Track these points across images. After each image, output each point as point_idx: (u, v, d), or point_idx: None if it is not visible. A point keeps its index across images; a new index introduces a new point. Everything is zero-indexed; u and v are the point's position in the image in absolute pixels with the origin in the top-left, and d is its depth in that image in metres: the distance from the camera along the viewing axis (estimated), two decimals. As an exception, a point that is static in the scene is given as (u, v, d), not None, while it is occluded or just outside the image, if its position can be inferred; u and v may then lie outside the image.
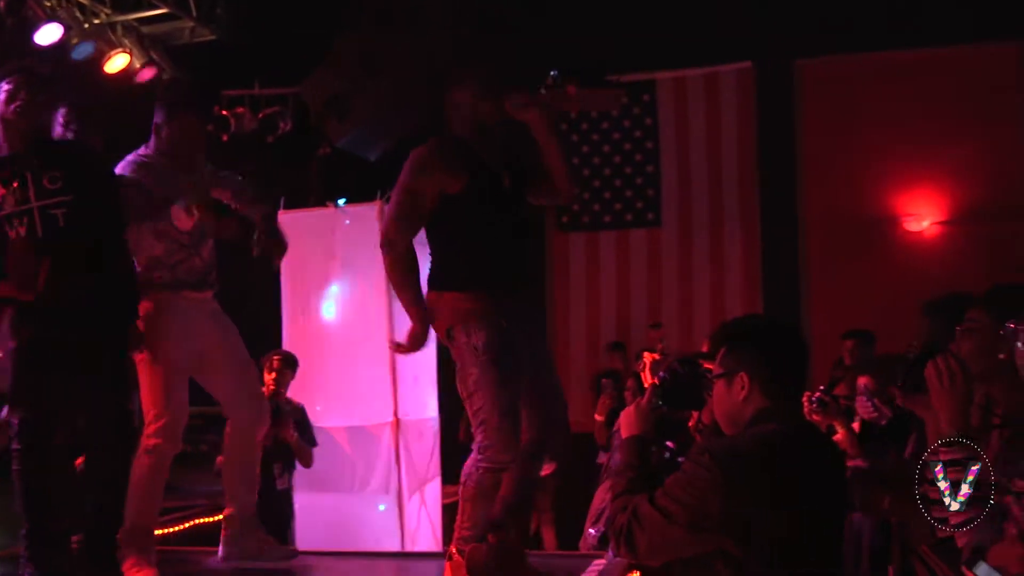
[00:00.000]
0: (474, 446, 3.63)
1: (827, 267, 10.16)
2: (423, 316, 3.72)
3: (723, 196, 10.45)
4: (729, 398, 2.67)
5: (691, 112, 10.52)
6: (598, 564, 3.99)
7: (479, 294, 3.64)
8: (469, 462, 3.65)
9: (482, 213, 3.68)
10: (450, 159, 3.69)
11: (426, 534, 7.30)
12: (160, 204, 4.09)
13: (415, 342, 3.79)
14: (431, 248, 3.80)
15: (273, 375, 6.37)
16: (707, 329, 9.23)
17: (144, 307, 4.11)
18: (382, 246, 3.72)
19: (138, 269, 4.18)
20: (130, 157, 4.26)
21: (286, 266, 6.41)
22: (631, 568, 3.87)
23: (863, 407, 4.84)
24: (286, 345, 7.09)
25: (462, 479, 3.69)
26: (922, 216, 10.07)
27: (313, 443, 6.57)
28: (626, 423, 2.86)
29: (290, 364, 6.50)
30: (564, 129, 10.68)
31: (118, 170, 4.18)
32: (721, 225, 10.44)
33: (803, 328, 7.91)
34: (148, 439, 4.10)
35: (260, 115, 8.69)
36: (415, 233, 3.75)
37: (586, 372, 9.63)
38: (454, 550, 3.70)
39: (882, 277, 9.74)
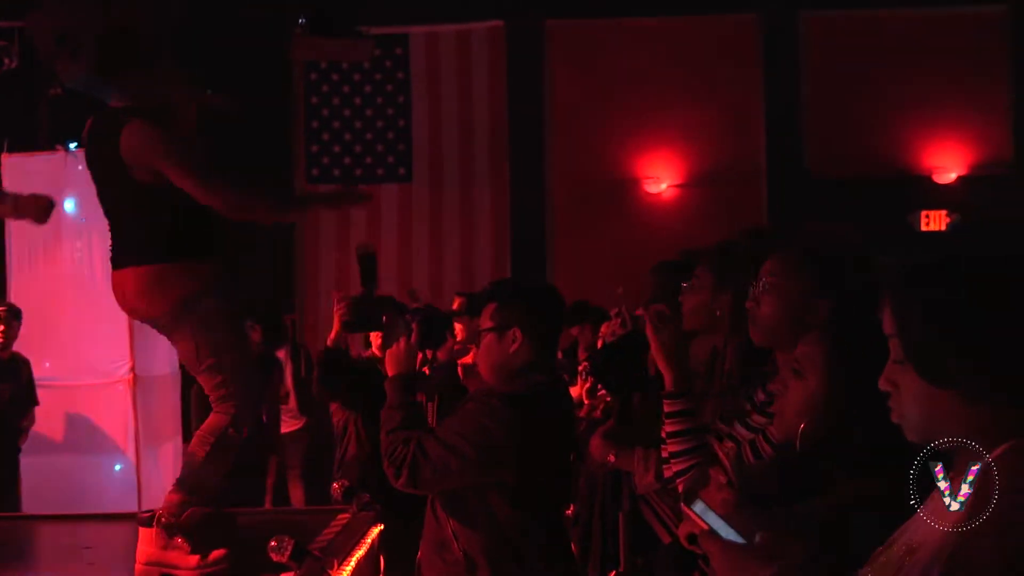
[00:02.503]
0: (219, 407, 3.53)
1: (572, 226, 10.50)
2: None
3: (474, 153, 10.59)
4: (500, 350, 2.97)
5: (443, 68, 10.57)
6: (343, 518, 3.99)
7: (214, 259, 3.55)
8: (211, 422, 3.55)
9: None
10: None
11: (165, 494, 7.07)
12: None
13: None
14: (141, 219, 3.54)
15: (1, 328, 6.05)
16: (456, 285, 9.37)
17: None
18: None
19: None
20: None
21: (10, 212, 6.03)
22: (376, 521, 3.91)
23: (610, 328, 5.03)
24: (12, 297, 6.71)
25: (201, 437, 3.57)
26: (660, 179, 10.54)
27: (34, 402, 6.34)
28: (392, 363, 3.04)
29: (16, 315, 6.26)
30: (314, 79, 10.50)
31: None
32: (471, 182, 10.58)
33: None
34: None
35: (-18, 50, 8.11)
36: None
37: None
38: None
39: (623, 237, 10.16)
